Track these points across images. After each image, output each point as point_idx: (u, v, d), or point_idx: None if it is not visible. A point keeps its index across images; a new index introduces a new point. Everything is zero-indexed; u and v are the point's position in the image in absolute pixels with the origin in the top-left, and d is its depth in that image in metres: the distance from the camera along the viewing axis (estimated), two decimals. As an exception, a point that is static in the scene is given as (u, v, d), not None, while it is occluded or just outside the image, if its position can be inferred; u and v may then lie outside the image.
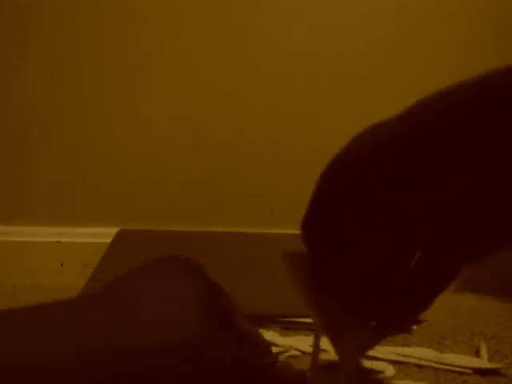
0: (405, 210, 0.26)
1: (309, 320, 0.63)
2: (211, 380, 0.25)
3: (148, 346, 0.24)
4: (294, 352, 0.57)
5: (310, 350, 0.56)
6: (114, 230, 0.86)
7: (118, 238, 0.85)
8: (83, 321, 0.24)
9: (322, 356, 0.52)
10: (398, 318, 0.32)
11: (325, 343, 0.36)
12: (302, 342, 0.58)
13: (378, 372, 0.52)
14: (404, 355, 0.56)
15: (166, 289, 0.27)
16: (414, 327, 0.63)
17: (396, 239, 0.27)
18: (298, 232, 0.95)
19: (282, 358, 0.56)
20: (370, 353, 0.55)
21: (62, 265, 0.87)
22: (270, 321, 0.65)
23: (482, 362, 0.55)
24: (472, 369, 0.54)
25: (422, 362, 0.55)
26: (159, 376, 0.24)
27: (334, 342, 0.32)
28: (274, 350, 0.58)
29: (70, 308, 0.25)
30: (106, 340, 0.23)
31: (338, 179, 0.28)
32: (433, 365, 0.55)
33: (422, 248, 0.28)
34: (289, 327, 0.64)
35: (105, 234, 0.86)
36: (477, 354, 0.58)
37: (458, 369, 0.54)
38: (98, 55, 0.83)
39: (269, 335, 0.60)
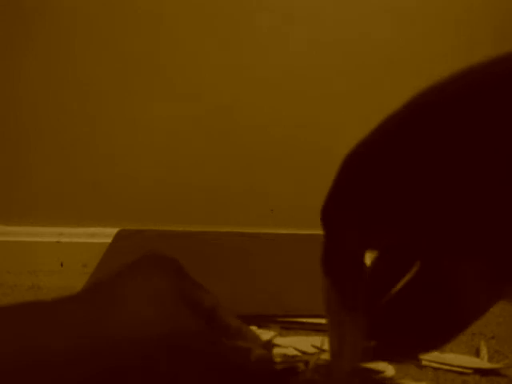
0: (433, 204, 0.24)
1: (309, 320, 0.63)
2: (199, 372, 0.26)
3: (136, 341, 0.24)
4: (293, 352, 0.57)
5: (310, 349, 0.56)
6: (114, 230, 0.86)
7: (118, 237, 0.85)
8: (71, 319, 0.24)
9: (323, 356, 0.52)
10: (400, 348, 0.29)
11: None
12: (301, 342, 0.58)
13: (378, 372, 0.52)
14: (404, 355, 0.56)
15: (151, 287, 0.27)
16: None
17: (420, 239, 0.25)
18: (298, 232, 0.95)
19: (280, 357, 0.56)
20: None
21: (61, 265, 0.87)
22: (269, 321, 0.65)
23: (482, 362, 0.55)
24: (472, 369, 0.54)
25: (422, 362, 0.55)
26: (147, 370, 0.24)
27: (332, 345, 0.31)
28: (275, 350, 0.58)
29: (62, 305, 0.25)
30: (94, 337, 0.24)
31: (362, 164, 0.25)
32: (433, 365, 0.55)
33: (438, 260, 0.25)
34: (289, 327, 0.64)
35: (105, 234, 0.86)
36: (477, 353, 0.58)
37: (457, 369, 0.54)
38: (101, 54, 0.83)
39: (269, 335, 0.60)
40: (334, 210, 0.26)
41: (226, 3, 0.80)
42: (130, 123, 0.85)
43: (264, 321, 0.65)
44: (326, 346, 0.42)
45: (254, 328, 0.62)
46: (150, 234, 0.86)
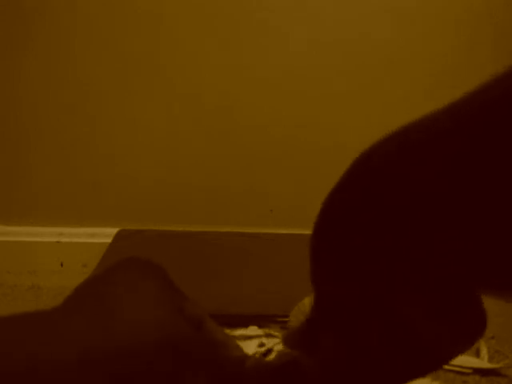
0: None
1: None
2: (190, 378, 0.26)
3: (138, 346, 0.24)
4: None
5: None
6: (114, 230, 0.86)
7: (118, 237, 0.85)
8: (71, 328, 0.24)
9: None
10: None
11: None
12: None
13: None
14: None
15: (141, 292, 0.27)
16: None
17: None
18: (297, 232, 0.95)
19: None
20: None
21: (61, 265, 0.87)
22: (269, 321, 0.65)
23: (482, 362, 0.55)
24: (472, 369, 0.54)
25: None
26: (153, 375, 0.24)
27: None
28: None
29: (60, 314, 0.25)
30: (96, 345, 0.24)
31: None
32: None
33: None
34: (289, 327, 0.64)
35: (105, 234, 0.86)
36: (477, 354, 0.58)
37: (458, 369, 0.54)
38: (101, 54, 0.83)
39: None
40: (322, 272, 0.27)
41: (225, 3, 0.80)
42: (130, 123, 0.85)
43: (264, 321, 0.65)
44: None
45: (254, 328, 0.62)
46: (149, 233, 0.86)
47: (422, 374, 0.26)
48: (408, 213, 0.23)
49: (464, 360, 0.55)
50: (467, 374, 0.54)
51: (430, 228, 0.22)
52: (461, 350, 0.26)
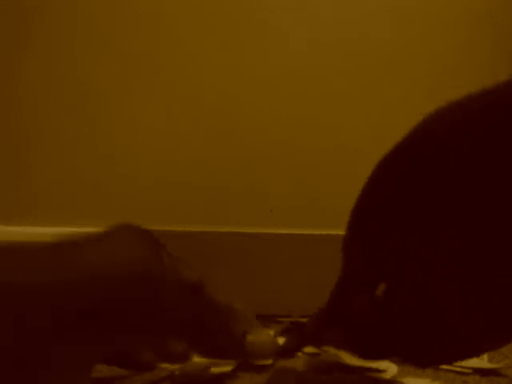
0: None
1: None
2: (160, 304, 0.26)
3: (109, 276, 0.25)
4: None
5: (311, 350, 0.57)
6: (113, 230, 0.86)
7: (118, 237, 0.85)
8: (43, 259, 0.25)
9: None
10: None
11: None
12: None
13: (381, 371, 0.52)
14: (405, 355, 0.55)
15: (114, 237, 0.28)
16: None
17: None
18: (297, 232, 0.95)
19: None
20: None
21: (62, 265, 0.87)
22: (269, 321, 0.65)
23: (482, 362, 0.55)
24: (472, 369, 0.54)
25: (423, 362, 0.55)
26: (110, 304, 0.25)
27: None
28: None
29: (33, 247, 0.26)
30: (65, 274, 0.24)
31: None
32: (433, 364, 0.55)
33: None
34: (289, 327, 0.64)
35: (105, 234, 0.86)
36: (477, 353, 0.58)
37: (458, 369, 0.54)
38: (101, 54, 0.83)
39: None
40: (353, 245, 0.28)
41: (225, 3, 0.80)
42: (130, 123, 0.85)
43: (264, 321, 0.65)
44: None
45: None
46: (149, 234, 0.86)
47: (447, 360, 0.27)
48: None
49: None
50: (467, 374, 0.54)
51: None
52: (489, 348, 0.26)
